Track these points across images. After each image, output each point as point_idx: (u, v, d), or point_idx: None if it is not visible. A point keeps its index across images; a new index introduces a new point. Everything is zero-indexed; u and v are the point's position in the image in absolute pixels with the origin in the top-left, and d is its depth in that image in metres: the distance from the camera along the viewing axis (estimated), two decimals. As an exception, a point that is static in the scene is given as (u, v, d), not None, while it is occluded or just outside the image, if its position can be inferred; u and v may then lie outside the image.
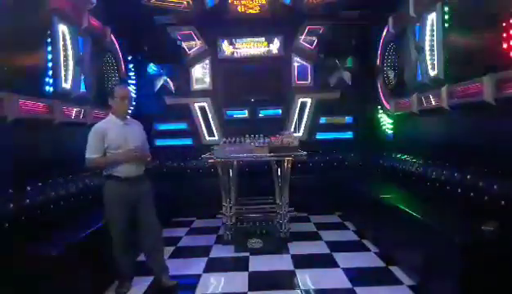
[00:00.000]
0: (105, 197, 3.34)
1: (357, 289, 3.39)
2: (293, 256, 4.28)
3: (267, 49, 6.79)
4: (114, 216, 3.33)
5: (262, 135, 5.05)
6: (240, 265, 4.09)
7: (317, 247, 4.59)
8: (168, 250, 4.65)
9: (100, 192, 3.36)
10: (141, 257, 4.41)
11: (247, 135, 5.11)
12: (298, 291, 3.45)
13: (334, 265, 4.01)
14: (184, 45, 6.74)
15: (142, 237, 3.51)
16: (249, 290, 3.46)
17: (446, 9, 3.97)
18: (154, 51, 6.78)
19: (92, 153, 3.26)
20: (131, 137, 3.39)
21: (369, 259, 4.17)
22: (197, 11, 6.12)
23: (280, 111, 6.83)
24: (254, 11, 6.26)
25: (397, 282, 3.53)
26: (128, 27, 6.27)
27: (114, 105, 3.41)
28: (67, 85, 4.20)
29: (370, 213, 4.66)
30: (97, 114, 4.94)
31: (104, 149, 3.28)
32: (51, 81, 3.92)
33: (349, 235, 5.09)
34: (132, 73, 6.47)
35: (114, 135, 3.30)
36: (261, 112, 6.78)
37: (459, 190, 3.55)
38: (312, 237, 5.02)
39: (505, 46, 2.98)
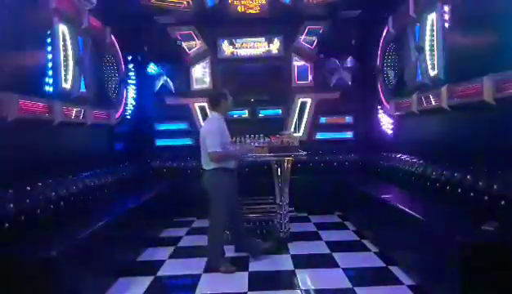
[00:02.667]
0: (221, 186, 3.83)
1: (357, 289, 3.38)
2: (293, 256, 4.27)
3: (267, 49, 6.79)
4: (229, 201, 3.87)
5: (262, 135, 5.05)
6: (240, 265, 4.09)
7: (317, 247, 4.58)
8: (169, 250, 4.65)
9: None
10: (141, 257, 4.43)
11: (247, 135, 5.10)
12: (298, 291, 3.44)
13: (334, 265, 4.01)
14: (184, 45, 6.74)
15: (234, 223, 4.10)
16: (249, 290, 3.46)
17: (446, 9, 3.98)
18: (154, 51, 6.79)
19: (217, 147, 3.72)
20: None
21: (369, 259, 4.16)
22: (197, 11, 6.11)
23: (280, 111, 6.83)
24: (254, 11, 6.26)
25: (397, 282, 3.53)
26: (128, 27, 6.27)
27: (225, 106, 3.96)
28: (67, 85, 4.20)
29: (370, 213, 4.66)
30: (97, 114, 4.94)
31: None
32: (51, 81, 3.92)
33: (349, 235, 5.09)
34: (132, 73, 6.47)
35: (225, 132, 3.89)
36: (261, 112, 6.78)
37: (459, 190, 3.55)
38: (312, 237, 5.01)
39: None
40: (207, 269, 3.97)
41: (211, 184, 3.88)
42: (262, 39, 6.78)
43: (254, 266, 4.04)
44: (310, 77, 6.85)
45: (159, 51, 6.75)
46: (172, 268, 4.10)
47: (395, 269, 3.78)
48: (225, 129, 3.92)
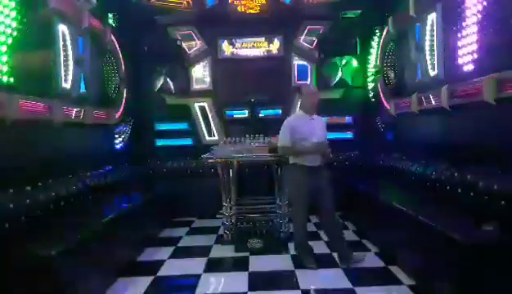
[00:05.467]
0: (290, 181, 3.94)
1: (357, 289, 3.39)
2: (293, 256, 4.27)
3: (267, 49, 6.79)
4: (298, 198, 3.87)
5: (262, 135, 5.04)
6: (240, 265, 4.09)
7: (317, 247, 4.56)
8: (169, 250, 4.65)
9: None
10: (141, 257, 4.43)
11: (247, 135, 5.10)
12: (298, 291, 3.45)
13: (334, 265, 4.01)
14: (184, 45, 6.73)
15: (323, 222, 4.17)
16: (249, 290, 3.46)
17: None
18: (154, 51, 6.78)
19: (286, 141, 3.84)
20: (315, 132, 3.88)
21: (369, 259, 4.16)
22: (197, 11, 6.12)
23: (280, 111, 6.82)
24: (254, 11, 6.26)
25: (397, 282, 3.53)
26: (128, 27, 6.27)
27: (303, 102, 4.05)
28: (67, 85, 4.19)
29: (370, 213, 4.66)
30: (97, 114, 4.94)
31: (291, 140, 3.82)
32: (51, 81, 3.91)
33: (349, 235, 5.08)
34: (131, 73, 6.46)
35: (301, 129, 3.85)
36: (261, 112, 6.78)
37: (459, 190, 3.55)
38: (312, 237, 4.99)
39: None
40: (207, 269, 3.97)
41: (284, 178, 4.14)
42: (262, 39, 6.78)
43: (254, 266, 4.04)
44: (310, 78, 6.84)
45: (159, 51, 6.74)
46: (172, 268, 4.10)
47: (395, 269, 3.78)
48: (301, 125, 3.89)
